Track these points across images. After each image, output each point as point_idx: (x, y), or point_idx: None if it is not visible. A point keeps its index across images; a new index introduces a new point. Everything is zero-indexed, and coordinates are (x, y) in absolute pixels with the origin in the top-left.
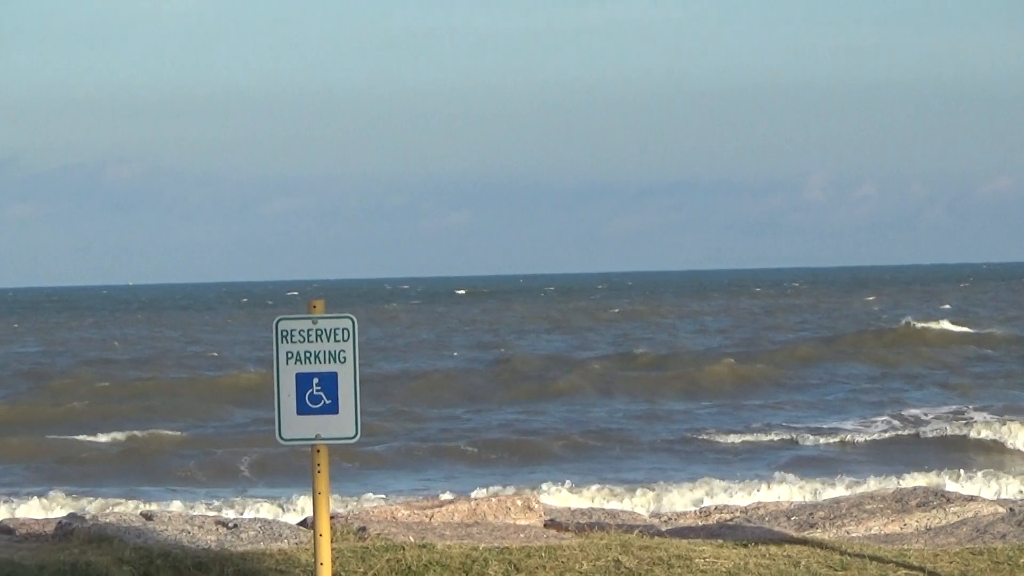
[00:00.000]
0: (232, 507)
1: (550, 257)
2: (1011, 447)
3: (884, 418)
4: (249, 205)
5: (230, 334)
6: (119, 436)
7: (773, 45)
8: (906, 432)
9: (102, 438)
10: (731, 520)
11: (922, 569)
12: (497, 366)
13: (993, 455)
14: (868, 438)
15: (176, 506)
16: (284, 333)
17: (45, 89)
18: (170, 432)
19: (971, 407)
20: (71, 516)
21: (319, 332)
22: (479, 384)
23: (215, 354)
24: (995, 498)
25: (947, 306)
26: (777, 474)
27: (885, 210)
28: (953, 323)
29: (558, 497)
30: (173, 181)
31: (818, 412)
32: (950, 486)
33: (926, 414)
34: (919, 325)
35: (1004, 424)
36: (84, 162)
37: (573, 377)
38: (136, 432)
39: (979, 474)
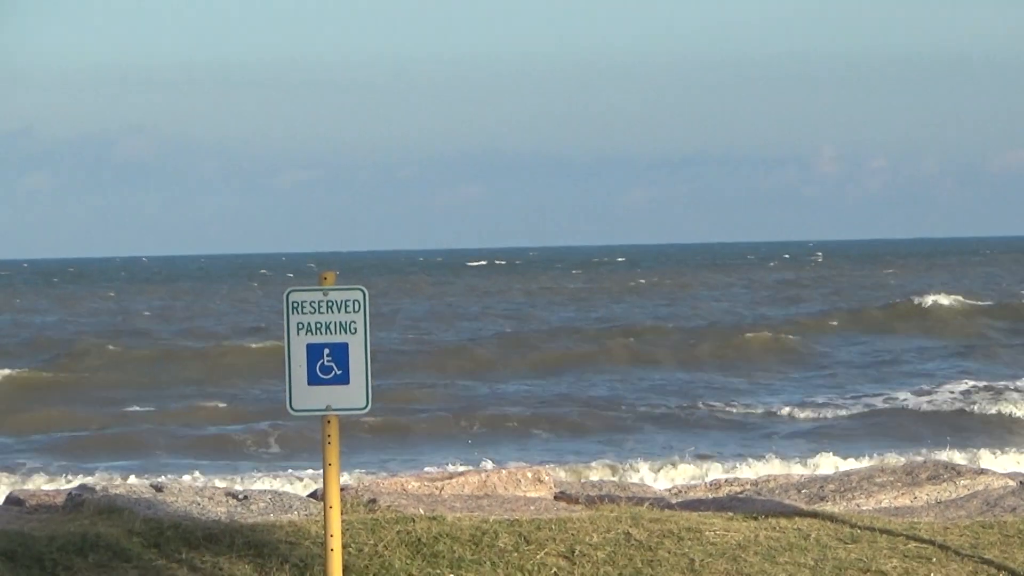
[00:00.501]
0: (243, 479)
1: (560, 230)
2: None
3: (904, 391)
4: (262, 177)
5: (252, 304)
6: (137, 407)
7: (784, 17)
8: (922, 405)
9: (119, 409)
10: (741, 493)
11: (932, 542)
12: (520, 337)
13: (1008, 428)
14: (885, 410)
15: (186, 478)
16: (295, 304)
17: (57, 59)
18: (190, 402)
19: (1000, 381)
20: (81, 487)
21: (330, 304)
22: (500, 355)
23: (239, 324)
24: (1006, 471)
25: (967, 280)
26: (789, 446)
27: (897, 184)
28: (978, 297)
29: (569, 469)
30: (186, 152)
31: (838, 384)
32: (961, 459)
33: (941, 386)
34: (946, 299)
35: (1021, 397)
36: (97, 133)
37: (596, 348)
38: (157, 402)
39: (992, 447)
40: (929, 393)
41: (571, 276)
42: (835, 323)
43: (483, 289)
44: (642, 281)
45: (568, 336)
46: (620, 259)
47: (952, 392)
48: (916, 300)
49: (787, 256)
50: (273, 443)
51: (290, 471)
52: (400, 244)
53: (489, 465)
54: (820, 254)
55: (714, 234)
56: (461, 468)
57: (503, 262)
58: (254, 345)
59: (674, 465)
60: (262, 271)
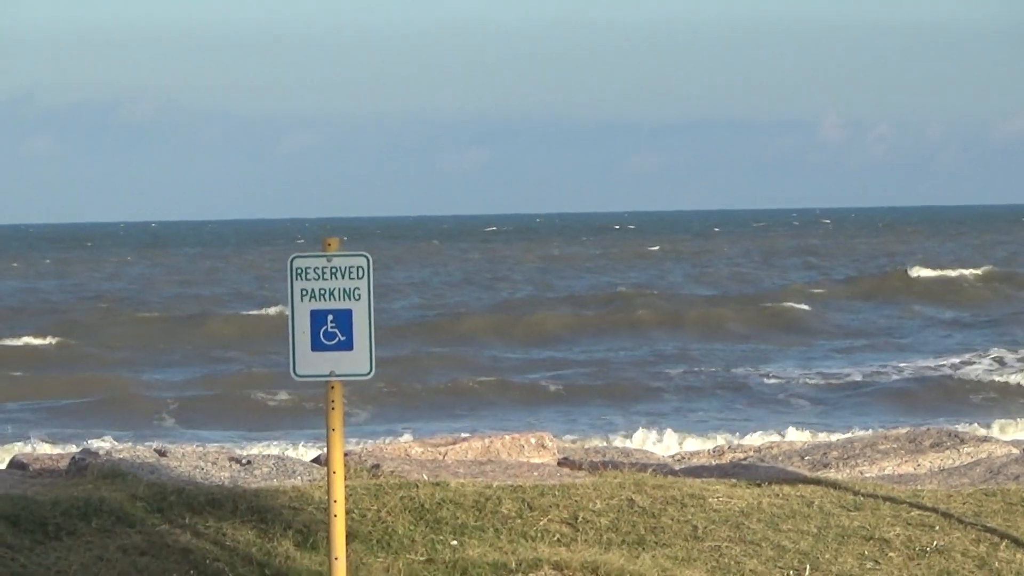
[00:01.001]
0: (247, 444)
1: (565, 196)
2: None
3: (920, 360)
4: (264, 143)
5: (265, 270)
6: (143, 372)
7: None
8: (939, 374)
9: (126, 374)
10: (745, 460)
11: (935, 510)
12: (530, 304)
13: (1011, 396)
14: (899, 379)
15: (190, 442)
16: (299, 271)
17: (59, 25)
18: (197, 368)
19: (1020, 349)
20: (85, 452)
21: (334, 270)
22: (508, 322)
23: (250, 291)
24: (1009, 439)
25: (986, 249)
26: (795, 413)
27: (901, 151)
28: (998, 265)
29: (573, 435)
30: (188, 118)
31: (851, 351)
32: (964, 427)
33: (959, 355)
34: (965, 268)
35: None
36: (99, 98)
37: (610, 314)
38: (163, 367)
39: (994, 415)
40: (947, 362)
41: (583, 243)
42: (851, 291)
43: (500, 255)
44: (655, 248)
45: (582, 302)
46: (631, 226)
47: (970, 361)
48: (933, 269)
49: (796, 223)
50: (277, 408)
51: (293, 436)
52: (404, 210)
53: (493, 431)
54: (829, 221)
55: (719, 200)
56: (465, 434)
57: (510, 228)
58: (262, 312)
59: (677, 431)
60: (277, 241)
